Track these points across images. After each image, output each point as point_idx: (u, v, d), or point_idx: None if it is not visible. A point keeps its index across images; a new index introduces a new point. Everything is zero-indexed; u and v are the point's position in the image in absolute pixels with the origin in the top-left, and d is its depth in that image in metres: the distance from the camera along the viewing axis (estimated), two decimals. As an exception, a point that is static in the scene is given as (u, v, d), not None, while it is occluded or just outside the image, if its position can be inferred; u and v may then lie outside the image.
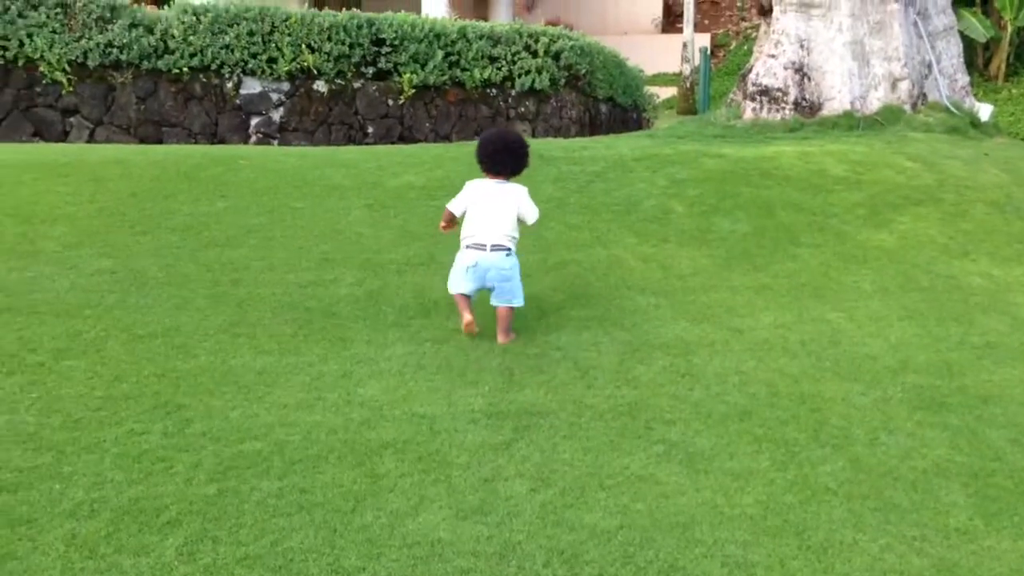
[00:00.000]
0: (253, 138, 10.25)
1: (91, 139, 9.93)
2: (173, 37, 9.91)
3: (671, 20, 26.28)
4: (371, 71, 10.29)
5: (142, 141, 9.90)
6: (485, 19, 15.48)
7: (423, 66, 10.26)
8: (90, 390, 4.04)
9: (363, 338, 4.77)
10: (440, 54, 10.25)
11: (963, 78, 10.87)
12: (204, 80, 10.16)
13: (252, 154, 7.89)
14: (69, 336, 4.55)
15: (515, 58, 10.50)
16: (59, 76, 9.75)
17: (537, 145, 8.30)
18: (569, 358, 4.62)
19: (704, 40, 23.30)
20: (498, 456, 3.67)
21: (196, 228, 6.08)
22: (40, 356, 4.33)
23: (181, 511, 3.19)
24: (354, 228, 6.24)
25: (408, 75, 10.21)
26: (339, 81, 10.31)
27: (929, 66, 10.44)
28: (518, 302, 4.84)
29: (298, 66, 10.14)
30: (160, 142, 9.90)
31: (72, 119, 9.98)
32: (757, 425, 4.02)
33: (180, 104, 10.14)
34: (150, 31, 9.91)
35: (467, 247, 4.85)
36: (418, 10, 14.57)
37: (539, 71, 10.51)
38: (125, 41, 9.78)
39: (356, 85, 10.35)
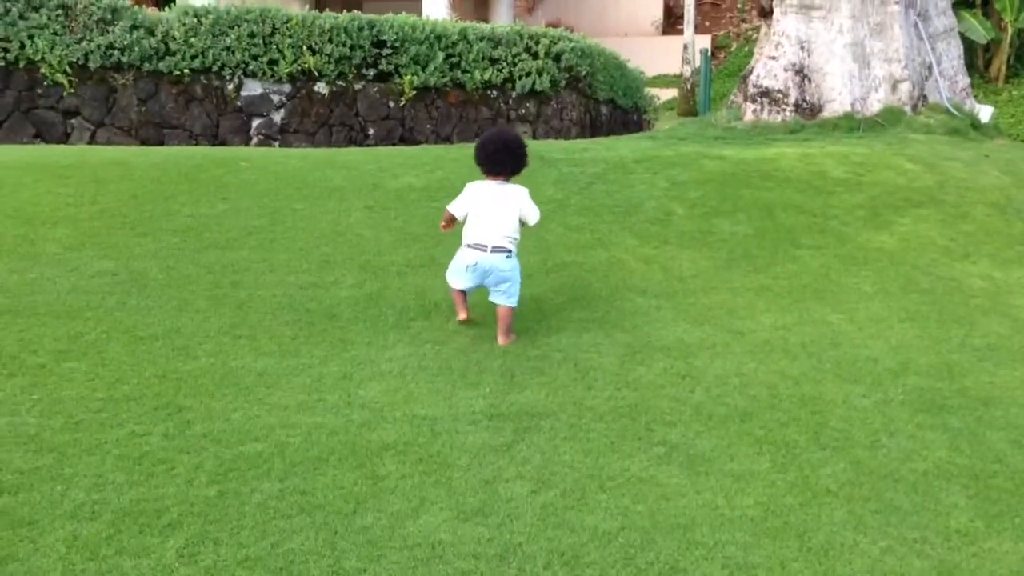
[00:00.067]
0: (254, 140, 10.26)
1: (92, 141, 9.93)
2: (174, 39, 9.92)
3: (672, 22, 26.29)
4: (372, 73, 10.30)
5: (143, 143, 9.91)
6: (486, 21, 15.49)
7: (424, 68, 10.27)
8: (91, 392, 4.04)
9: (364, 340, 4.77)
10: (441, 56, 10.25)
11: (963, 80, 10.87)
12: (205, 82, 10.17)
13: (253, 156, 7.90)
14: (70, 338, 4.56)
15: (516, 60, 10.51)
16: (60, 78, 9.76)
17: (538, 147, 8.32)
18: (570, 360, 4.63)
19: (705, 42, 23.31)
20: (499, 458, 3.67)
21: (197, 230, 6.08)
22: (41, 358, 4.33)
23: (182, 513, 3.19)
24: (355, 230, 6.25)
25: (409, 77, 10.21)
26: (340, 83, 10.31)
27: (930, 68, 10.45)
28: (512, 302, 4.84)
29: (299, 68, 10.15)
30: (161, 144, 9.91)
31: (73, 121, 9.99)
32: (758, 427, 4.02)
33: (181, 106, 10.14)
34: (151, 33, 9.92)
35: (467, 246, 4.87)
36: (419, 12, 14.59)
37: (540, 73, 10.52)
38: (126, 43, 9.79)
39: (357, 87, 10.36)
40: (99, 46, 9.77)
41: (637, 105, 14.44)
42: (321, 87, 10.31)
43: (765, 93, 10.02)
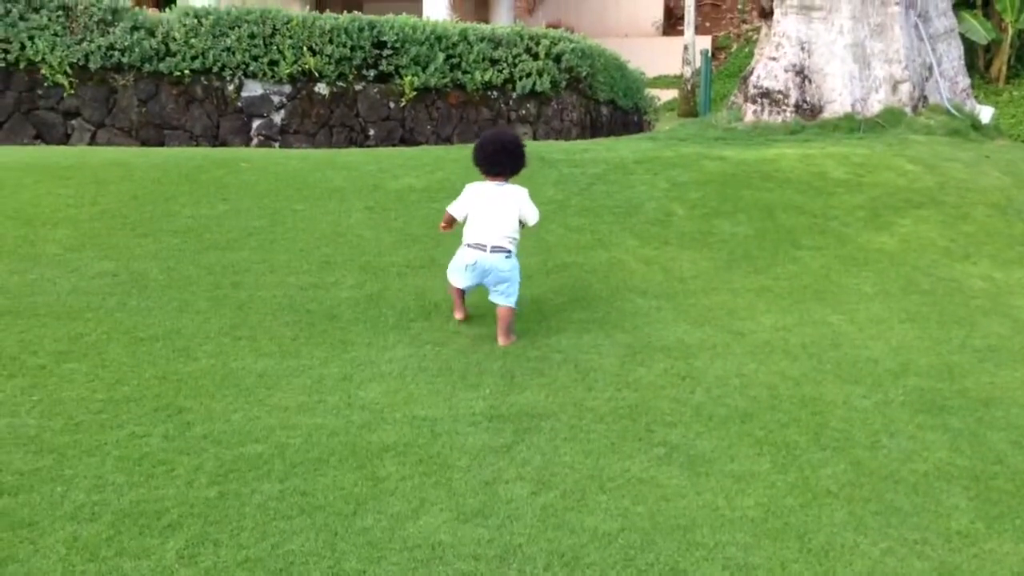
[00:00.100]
0: (254, 140, 10.26)
1: (92, 141, 9.94)
2: (175, 40, 9.92)
3: (672, 22, 26.30)
4: (372, 73, 10.30)
5: (143, 144, 9.91)
6: (486, 22, 15.50)
7: (424, 68, 10.27)
8: (91, 393, 4.04)
9: (364, 341, 4.77)
10: (441, 56, 10.25)
11: (964, 80, 10.87)
12: (205, 83, 10.17)
13: (253, 156, 7.90)
14: (70, 339, 4.56)
15: (516, 60, 10.51)
16: (60, 79, 9.76)
17: (538, 147, 8.33)
18: (570, 361, 4.63)
19: (705, 42, 23.32)
20: (499, 459, 3.67)
21: (197, 230, 6.08)
22: (41, 359, 4.33)
23: (182, 514, 3.19)
24: (355, 231, 6.25)
25: (409, 77, 10.21)
26: (340, 84, 10.31)
27: (930, 68, 10.45)
28: (511, 302, 4.85)
29: (299, 69, 10.15)
30: (161, 145, 9.91)
31: (74, 122, 9.99)
32: (758, 428, 4.02)
33: (181, 107, 10.15)
34: (152, 34, 9.93)
35: (467, 246, 4.89)
36: (419, 13, 14.59)
37: (540, 73, 10.52)
38: (127, 44, 9.79)
39: (357, 87, 10.36)
40: (99, 47, 9.77)
41: (637, 106, 14.44)
42: (321, 88, 10.32)
43: (765, 94, 10.02)
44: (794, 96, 9.89)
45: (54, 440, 3.63)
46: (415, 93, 10.32)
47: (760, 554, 3.11)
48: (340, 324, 4.95)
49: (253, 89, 10.25)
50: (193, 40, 9.93)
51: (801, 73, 9.93)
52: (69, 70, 9.78)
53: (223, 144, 10.09)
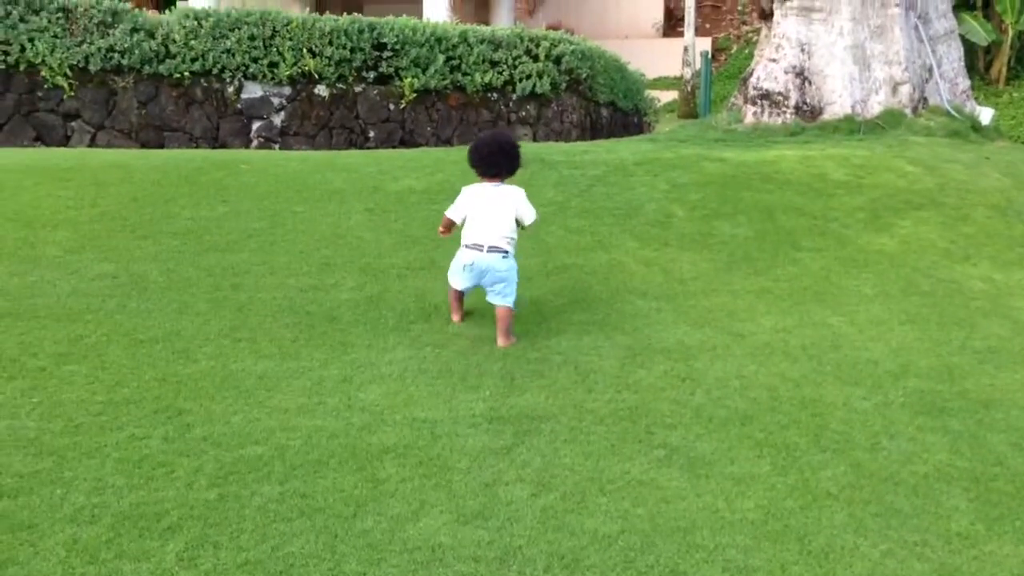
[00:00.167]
0: (254, 142, 10.26)
1: (92, 143, 9.94)
2: (174, 42, 9.93)
3: (672, 24, 26.31)
4: (372, 75, 10.30)
5: (143, 145, 9.91)
6: (486, 23, 15.50)
7: (424, 70, 10.28)
8: (91, 395, 4.04)
9: (364, 342, 4.77)
10: (441, 58, 10.26)
11: (964, 82, 10.87)
12: (205, 84, 10.17)
13: (253, 158, 7.90)
14: (70, 341, 4.56)
15: (516, 62, 10.51)
16: (60, 81, 9.76)
17: (538, 149, 8.33)
18: (570, 362, 4.62)
19: (705, 44, 23.33)
20: (499, 461, 3.67)
21: (197, 232, 6.08)
22: (41, 361, 4.33)
23: (182, 516, 3.19)
24: (355, 232, 6.25)
25: (409, 79, 10.22)
26: (340, 85, 10.32)
27: (930, 70, 10.45)
28: (508, 302, 4.86)
29: (299, 70, 10.15)
30: (161, 146, 9.92)
31: (73, 123, 9.99)
32: (758, 430, 4.02)
33: (181, 108, 10.15)
34: (151, 36, 9.93)
35: (465, 246, 4.93)
36: (419, 14, 14.59)
37: (540, 75, 10.52)
38: (126, 46, 9.80)
39: (357, 89, 10.36)
40: (99, 49, 9.78)
41: (637, 107, 14.44)
42: (321, 90, 10.32)
43: (765, 95, 10.02)
44: (794, 98, 9.90)
45: (54, 442, 3.63)
46: (415, 95, 10.32)
47: (760, 556, 3.11)
48: (340, 326, 4.95)
49: (253, 91, 10.26)
50: (193, 42, 9.94)
51: (801, 75, 9.94)
52: (69, 72, 9.79)
53: (223, 146, 10.09)
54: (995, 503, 3.52)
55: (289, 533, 3.12)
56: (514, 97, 10.62)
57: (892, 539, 3.25)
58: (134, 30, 9.87)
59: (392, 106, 10.39)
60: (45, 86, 9.81)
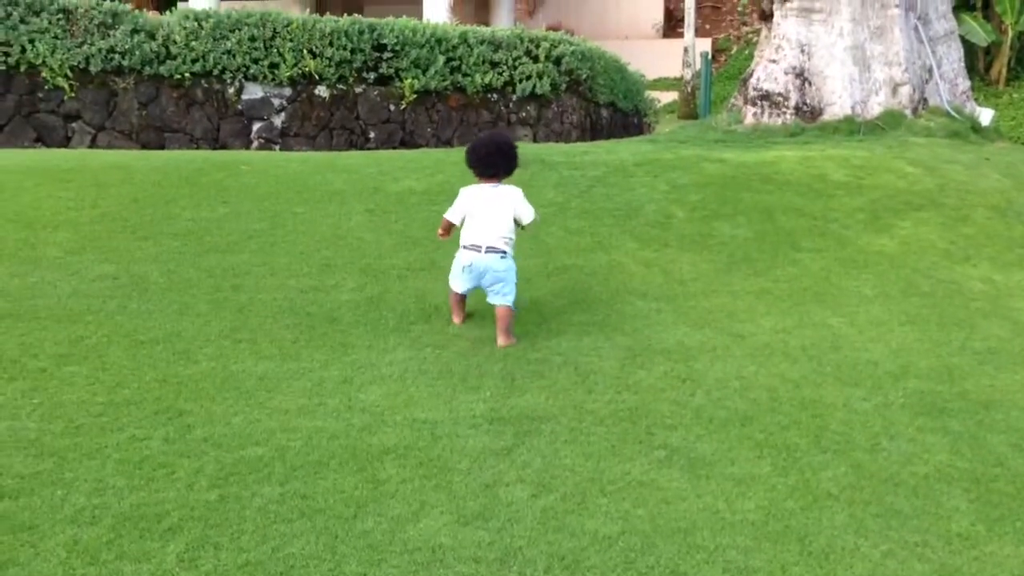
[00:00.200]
0: (255, 143, 10.26)
1: (93, 144, 9.94)
2: (175, 43, 9.93)
3: (672, 25, 26.31)
4: (372, 76, 10.31)
5: (144, 147, 9.92)
6: (486, 24, 15.50)
7: (424, 71, 10.28)
8: (92, 396, 4.04)
9: (364, 343, 4.77)
10: (441, 59, 10.26)
11: (964, 83, 10.87)
12: (206, 85, 10.18)
13: (253, 159, 7.91)
14: (71, 342, 4.56)
15: (516, 63, 10.52)
16: (61, 82, 9.77)
17: (538, 150, 8.33)
18: (570, 363, 4.63)
19: (705, 45, 23.34)
20: (499, 462, 3.67)
21: (197, 233, 6.09)
22: (42, 362, 4.33)
23: (182, 517, 3.19)
24: (355, 233, 6.25)
25: (409, 80, 10.22)
26: (341, 86, 10.32)
27: (930, 71, 10.45)
28: (508, 301, 4.88)
29: (300, 71, 10.16)
30: (162, 147, 9.92)
31: (74, 125, 10.00)
32: (758, 430, 4.02)
33: (182, 109, 10.15)
34: (152, 37, 9.93)
35: (463, 247, 4.95)
36: (419, 15, 14.60)
37: (540, 76, 10.52)
38: (127, 47, 9.80)
39: (358, 90, 10.36)
40: (100, 50, 9.78)
41: (638, 108, 14.44)
42: (322, 91, 10.32)
43: (765, 96, 10.02)
44: (794, 98, 9.90)
45: (54, 443, 3.63)
46: (415, 96, 10.32)
47: (760, 557, 3.11)
48: (340, 327, 4.96)
49: (253, 92, 10.26)
50: (193, 43, 9.94)
51: (801, 75, 9.94)
52: (69, 73, 9.79)
53: (223, 147, 10.09)
54: (995, 504, 3.52)
55: (290, 534, 3.12)
56: (514, 98, 10.62)
57: (893, 540, 3.25)
58: (135, 31, 9.88)
59: (392, 107, 10.39)
60: (46, 87, 9.82)
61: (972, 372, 4.73)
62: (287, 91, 10.29)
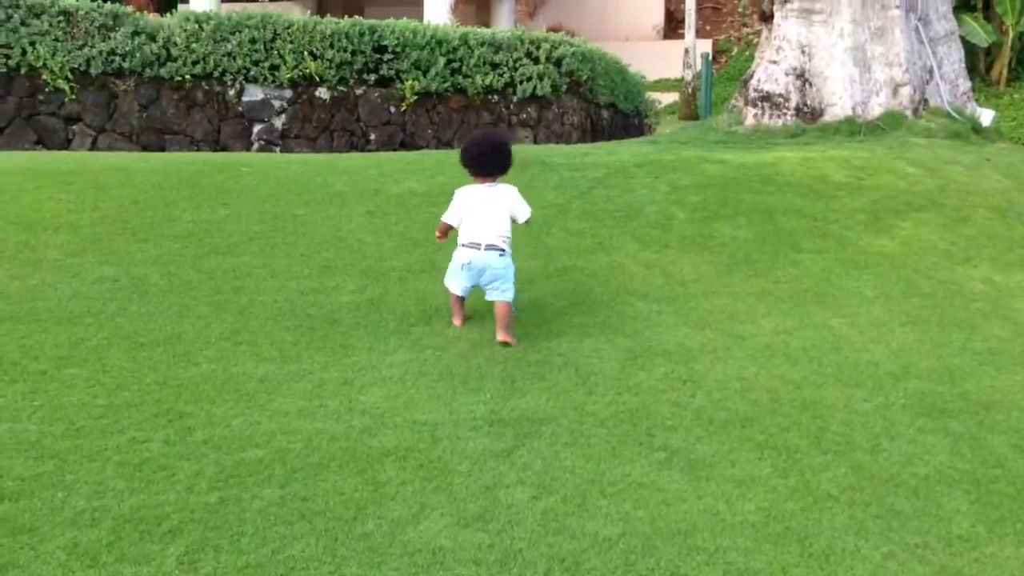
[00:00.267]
0: (255, 145, 10.27)
1: (93, 147, 9.95)
2: (175, 45, 9.94)
3: (673, 26, 26.30)
4: (373, 78, 10.31)
5: (144, 149, 9.93)
6: (487, 26, 15.50)
7: (425, 73, 10.28)
8: (92, 398, 4.04)
9: (364, 345, 4.77)
10: (442, 61, 10.26)
11: (965, 83, 10.86)
12: (206, 87, 10.18)
13: (254, 161, 7.91)
14: (71, 344, 4.56)
15: (517, 64, 10.52)
16: (62, 84, 9.78)
17: (539, 151, 8.33)
18: (571, 365, 4.62)
19: (706, 46, 23.33)
20: (499, 463, 3.67)
21: (198, 235, 6.09)
22: (42, 364, 4.34)
23: (182, 519, 3.19)
24: (356, 235, 6.25)
25: (410, 82, 10.22)
26: (341, 88, 10.33)
27: (930, 71, 10.45)
28: (508, 296, 4.91)
29: (300, 73, 10.16)
30: (162, 149, 9.93)
31: (75, 127, 10.01)
32: (759, 432, 4.02)
33: (182, 111, 10.16)
34: (152, 39, 9.95)
35: (462, 245, 4.98)
36: (420, 17, 14.60)
37: (541, 77, 10.53)
38: (127, 49, 9.81)
39: (358, 92, 10.37)
40: (100, 52, 9.79)
41: (638, 109, 14.45)
42: (322, 92, 10.33)
43: (766, 97, 10.02)
44: (795, 99, 9.89)
45: (55, 446, 3.63)
46: (416, 97, 10.33)
47: (761, 559, 3.11)
48: (341, 329, 4.96)
49: (254, 94, 10.27)
50: (194, 45, 9.95)
51: (802, 76, 9.94)
52: (70, 75, 9.80)
53: (224, 149, 10.10)
54: (996, 505, 3.51)
55: (290, 536, 3.12)
56: (515, 99, 10.63)
57: (893, 541, 3.25)
58: (135, 33, 9.89)
59: (393, 109, 10.40)
60: (46, 89, 9.83)
61: (973, 373, 4.72)
62: (288, 93, 10.29)
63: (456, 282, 5.02)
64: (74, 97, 9.88)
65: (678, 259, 6.16)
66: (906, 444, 3.95)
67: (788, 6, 10.03)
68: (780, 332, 5.15)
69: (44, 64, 9.72)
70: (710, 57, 20.05)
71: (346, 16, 10.52)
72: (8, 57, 9.66)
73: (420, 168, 7.62)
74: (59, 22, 9.75)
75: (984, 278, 6.05)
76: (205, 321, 4.94)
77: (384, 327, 5.00)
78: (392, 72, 10.29)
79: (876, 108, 9.86)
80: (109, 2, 10.27)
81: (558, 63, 10.68)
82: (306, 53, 10.11)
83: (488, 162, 5.04)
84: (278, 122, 10.31)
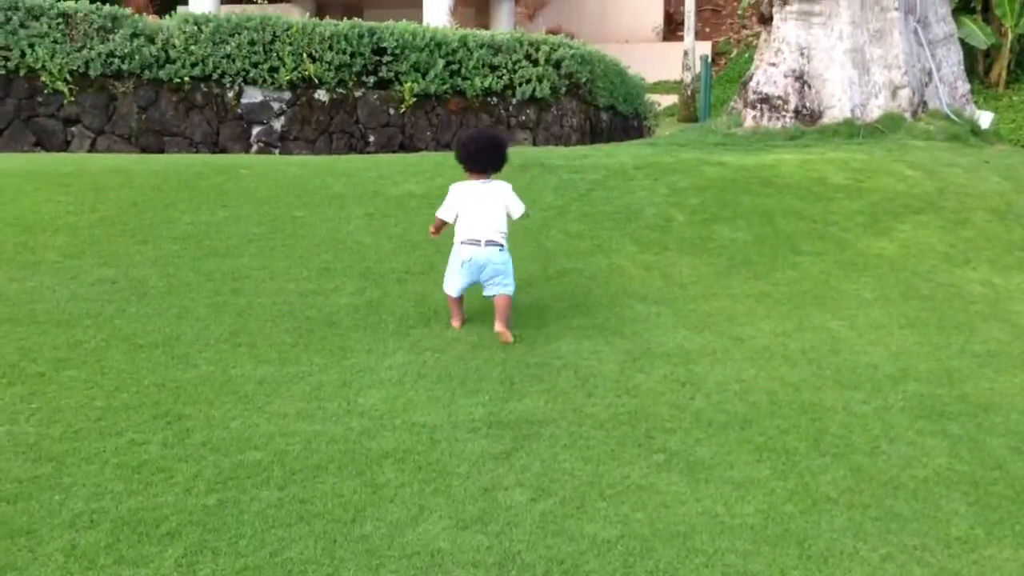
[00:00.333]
0: (254, 147, 10.27)
1: (92, 149, 9.95)
2: (174, 47, 9.95)
3: (672, 28, 26.32)
4: (372, 80, 10.32)
5: (143, 150, 9.93)
6: (486, 28, 15.50)
7: (424, 75, 10.29)
8: (90, 400, 4.04)
9: (363, 347, 4.77)
10: (441, 63, 10.27)
11: (963, 86, 10.87)
12: (205, 89, 10.18)
13: (253, 163, 7.91)
14: (69, 346, 4.56)
15: (516, 67, 10.52)
16: (61, 86, 9.78)
17: (538, 153, 8.33)
18: (570, 367, 4.62)
19: (705, 48, 23.34)
20: (498, 465, 3.67)
21: (197, 237, 6.09)
22: (40, 366, 4.33)
23: (181, 522, 3.19)
24: (354, 237, 6.25)
25: (409, 84, 10.23)
26: (340, 90, 10.33)
27: (929, 74, 10.45)
28: (509, 290, 4.98)
29: (299, 75, 10.17)
30: (161, 151, 9.93)
31: (73, 129, 10.01)
32: (758, 434, 4.02)
33: (181, 113, 10.16)
34: (151, 41, 9.95)
35: (462, 243, 5.01)
36: (419, 19, 14.61)
37: (540, 79, 10.53)
38: (126, 51, 9.82)
39: (357, 94, 10.37)
40: (99, 54, 9.80)
41: (637, 111, 14.45)
42: (321, 94, 10.33)
43: (765, 99, 10.03)
44: (793, 102, 9.90)
45: (53, 448, 3.63)
46: (415, 99, 10.33)
47: (760, 561, 3.11)
48: (339, 331, 4.95)
49: (253, 96, 10.27)
50: (193, 47, 9.95)
51: (801, 79, 9.94)
52: (69, 77, 9.81)
53: (223, 151, 10.10)
54: (995, 507, 3.51)
55: (288, 539, 3.12)
56: (514, 101, 10.63)
57: (892, 543, 3.25)
58: (134, 35, 9.89)
59: (392, 111, 10.40)
60: (45, 91, 9.83)
61: (971, 375, 4.72)
62: (287, 95, 10.30)
63: (455, 281, 5.03)
64: (73, 99, 9.88)
65: (677, 261, 6.17)
66: (905, 446, 3.95)
67: (787, 8, 10.04)
68: (779, 334, 5.15)
69: (43, 66, 9.72)
70: (709, 59, 20.06)
71: (345, 18, 10.52)
72: (7, 59, 9.66)
73: (419, 170, 7.62)
74: (58, 24, 9.75)
75: (983, 280, 6.06)
76: (204, 323, 4.94)
77: (383, 329, 5.00)
78: (391, 74, 10.29)
79: (875, 110, 9.87)
80: (108, 4, 10.27)
81: (557, 65, 10.68)
82: (305, 55, 10.12)
83: (484, 159, 5.08)
84: (277, 124, 10.31)
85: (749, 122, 10.13)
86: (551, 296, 5.57)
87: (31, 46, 9.68)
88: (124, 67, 9.85)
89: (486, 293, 5.04)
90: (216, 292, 5.34)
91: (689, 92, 20.64)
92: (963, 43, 13.00)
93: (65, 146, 9.94)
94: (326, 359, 4.60)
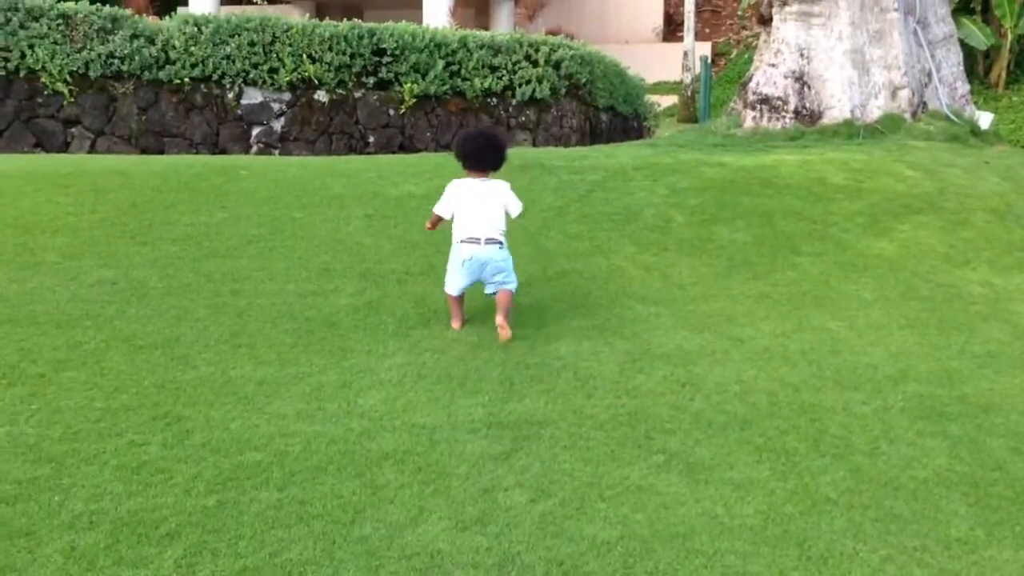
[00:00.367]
0: (254, 148, 10.27)
1: (92, 150, 9.95)
2: (174, 48, 9.95)
3: (672, 29, 26.33)
4: (372, 81, 10.32)
5: (143, 151, 9.93)
6: (486, 29, 15.51)
7: (424, 76, 10.29)
8: (90, 401, 4.04)
9: (363, 348, 4.77)
10: (441, 64, 10.27)
11: (963, 86, 10.88)
12: (205, 90, 10.18)
13: (253, 164, 7.91)
14: (69, 347, 4.56)
15: (516, 67, 10.52)
16: (60, 87, 9.78)
17: (537, 154, 8.33)
18: (569, 368, 4.62)
19: (705, 49, 23.35)
20: (498, 466, 3.67)
21: (196, 238, 6.08)
22: (40, 367, 4.33)
23: (180, 523, 3.19)
24: (354, 238, 6.25)
25: (409, 85, 10.23)
26: (340, 91, 10.33)
27: (929, 74, 10.46)
28: (513, 284, 5.01)
29: (299, 76, 10.17)
30: (161, 152, 9.93)
31: (73, 130, 10.01)
32: (757, 435, 4.01)
33: (181, 114, 10.16)
34: (151, 42, 9.95)
35: (461, 242, 5.01)
36: (419, 20, 14.61)
37: (540, 80, 10.53)
38: (126, 52, 9.82)
39: (357, 95, 10.37)
40: (99, 55, 9.80)
41: (637, 112, 14.45)
42: (321, 95, 10.33)
43: (765, 100, 10.03)
44: (793, 102, 9.90)
45: (52, 449, 3.63)
46: (415, 100, 10.33)
47: (759, 562, 3.11)
48: (339, 331, 4.95)
49: (253, 97, 10.27)
50: (193, 48, 9.95)
51: (800, 79, 9.94)
52: (69, 78, 9.80)
53: (223, 152, 10.10)
54: (995, 508, 3.51)
55: (287, 539, 3.12)
56: (514, 102, 10.63)
57: (891, 544, 3.24)
58: (134, 36, 9.89)
59: (392, 111, 10.40)
60: (45, 92, 9.83)
61: (971, 376, 4.72)
62: (286, 96, 10.30)
63: (456, 280, 5.03)
64: (73, 100, 9.88)
65: (677, 262, 6.17)
66: (905, 447, 3.95)
67: (787, 9, 10.04)
68: (779, 335, 5.15)
69: (43, 67, 9.72)
70: (709, 60, 20.07)
71: (345, 19, 10.52)
72: (7, 60, 9.66)
73: (419, 171, 7.62)
74: (58, 25, 9.75)
75: (983, 281, 6.06)
76: (203, 324, 4.94)
77: (383, 330, 5.00)
78: (391, 75, 10.29)
79: (875, 111, 9.87)
80: (108, 5, 10.27)
81: (557, 66, 10.68)
82: (305, 56, 10.12)
83: (483, 157, 5.10)
84: (277, 125, 10.31)
85: (749, 123, 10.13)
86: (551, 297, 5.57)
87: (31, 47, 9.68)
88: (124, 68, 9.85)
89: (488, 291, 5.04)
90: (216, 293, 5.34)
91: (689, 93, 20.66)
92: (963, 44, 13.00)
93: (65, 147, 9.94)
94: (326, 360, 4.60)
